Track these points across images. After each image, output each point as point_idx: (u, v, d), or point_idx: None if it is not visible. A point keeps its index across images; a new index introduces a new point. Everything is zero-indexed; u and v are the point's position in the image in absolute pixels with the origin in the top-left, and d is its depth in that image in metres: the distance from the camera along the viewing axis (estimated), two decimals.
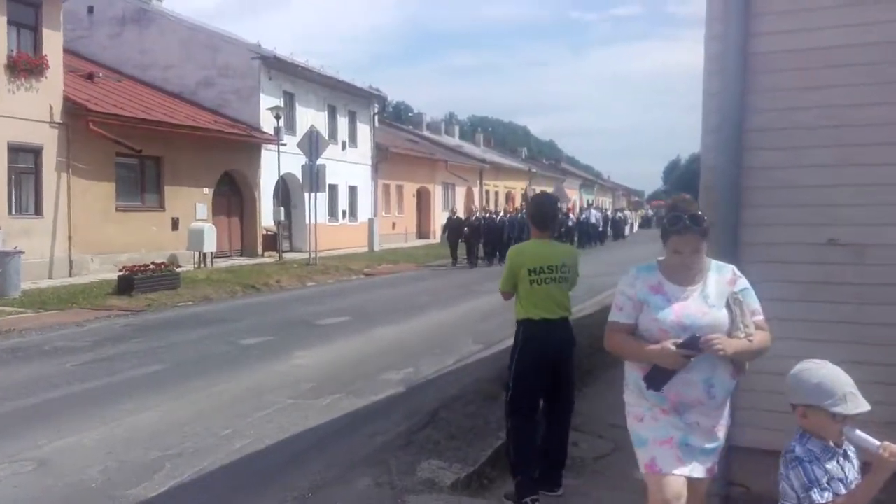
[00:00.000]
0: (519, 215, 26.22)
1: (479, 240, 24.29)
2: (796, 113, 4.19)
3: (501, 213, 27.18)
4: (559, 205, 5.25)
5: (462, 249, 24.33)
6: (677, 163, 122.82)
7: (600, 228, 37.68)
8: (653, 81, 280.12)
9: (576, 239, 32.62)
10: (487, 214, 26.30)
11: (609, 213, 48.24)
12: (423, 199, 37.39)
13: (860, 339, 3.98)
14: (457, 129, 59.03)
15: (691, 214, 2.92)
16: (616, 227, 43.66)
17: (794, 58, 4.17)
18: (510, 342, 4.69)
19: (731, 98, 4.24)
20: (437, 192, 38.22)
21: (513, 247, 4.76)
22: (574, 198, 50.91)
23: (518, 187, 49.60)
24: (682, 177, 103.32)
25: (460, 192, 41.05)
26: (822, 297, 4.08)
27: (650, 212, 68.31)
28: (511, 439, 4.54)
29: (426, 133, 47.05)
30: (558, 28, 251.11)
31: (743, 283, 3.04)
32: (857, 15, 4.04)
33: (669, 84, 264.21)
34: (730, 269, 3.08)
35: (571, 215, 35.04)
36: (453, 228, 24.95)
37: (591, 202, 45.73)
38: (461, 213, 28.02)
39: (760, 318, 3.01)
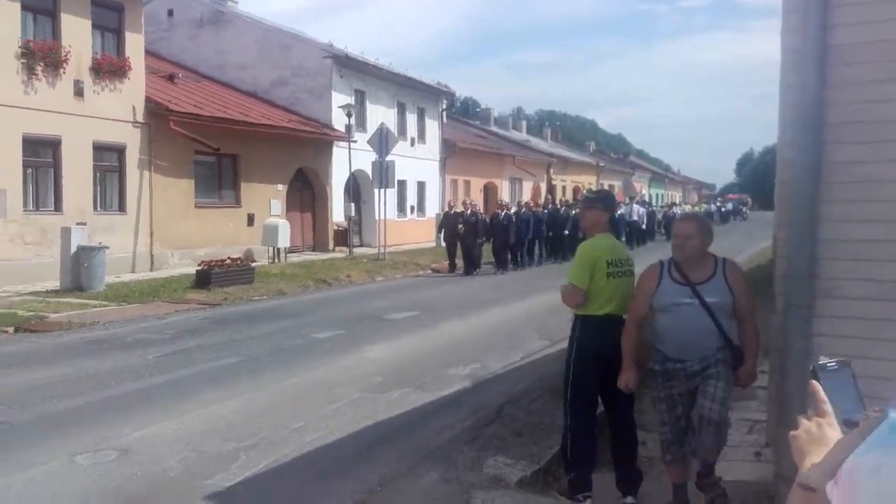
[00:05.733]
0: (544, 211, 23.64)
1: (476, 240, 19.94)
2: (878, 106, 4.04)
3: (506, 210, 21.69)
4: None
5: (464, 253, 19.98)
6: (750, 155, 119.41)
7: (643, 226, 32.45)
8: (722, 73, 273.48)
9: None
10: (504, 211, 21.47)
11: (658, 208, 43.97)
12: (490, 194, 37.36)
13: None
14: (524, 123, 58.63)
15: None
16: (669, 225, 36.97)
17: (876, 49, 4.02)
18: None
19: (810, 91, 4.11)
20: (504, 187, 38.11)
21: (584, 242, 4.63)
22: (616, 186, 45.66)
23: (585, 182, 48.95)
24: (756, 169, 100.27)
25: (527, 186, 40.82)
26: None
27: (713, 206, 58.72)
28: (569, 437, 4.51)
29: (494, 128, 46.91)
30: (626, 21, 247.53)
31: None
32: None
33: (739, 75, 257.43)
34: None
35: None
36: (450, 226, 20.19)
37: (633, 196, 38.55)
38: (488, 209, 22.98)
39: None
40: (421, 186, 30.75)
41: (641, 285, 4.24)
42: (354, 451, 5.57)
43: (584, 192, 6.36)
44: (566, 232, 23.58)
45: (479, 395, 7.15)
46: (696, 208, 56.79)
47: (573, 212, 23.92)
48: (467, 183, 34.88)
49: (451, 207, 21.70)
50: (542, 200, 27.43)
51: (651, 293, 4.11)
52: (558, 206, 25.17)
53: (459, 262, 20.01)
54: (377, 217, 22.47)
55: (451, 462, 5.15)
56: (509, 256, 21.36)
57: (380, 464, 5.25)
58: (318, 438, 5.83)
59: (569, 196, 39.85)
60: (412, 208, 30.06)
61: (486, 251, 21.18)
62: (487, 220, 20.80)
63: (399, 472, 5.09)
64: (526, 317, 12.18)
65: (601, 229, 4.58)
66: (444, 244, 21.42)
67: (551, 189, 39.43)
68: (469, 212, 20.33)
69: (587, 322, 4.44)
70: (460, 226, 19.70)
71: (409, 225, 28.56)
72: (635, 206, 32.58)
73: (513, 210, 22.24)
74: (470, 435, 5.78)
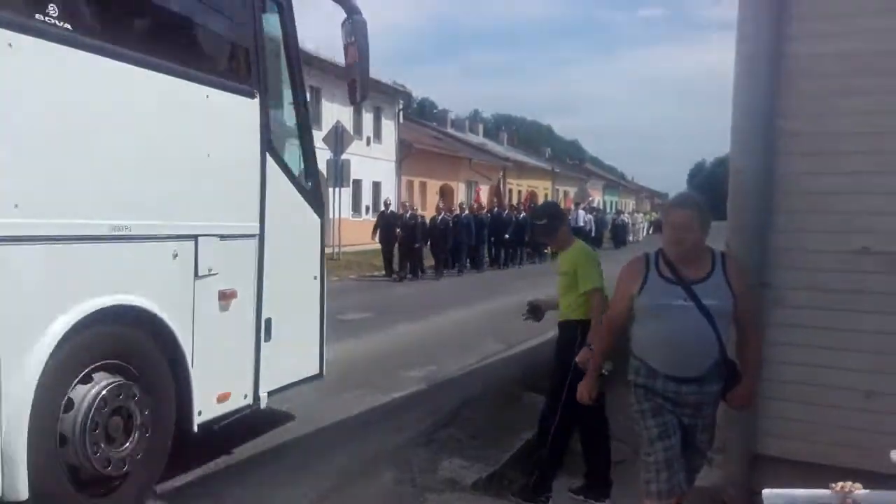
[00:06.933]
0: (487, 215, 23.36)
1: (414, 244, 18.87)
2: (829, 118, 4.15)
3: (443, 214, 20.72)
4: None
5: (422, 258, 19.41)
6: (702, 165, 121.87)
7: (592, 233, 30.55)
8: (678, 83, 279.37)
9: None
10: (442, 214, 20.61)
11: (607, 215, 44.44)
12: (446, 196, 37.41)
13: (886, 349, 3.93)
14: (481, 126, 58.91)
15: None
16: (617, 233, 38.26)
17: (828, 62, 4.13)
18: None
19: (762, 102, 4.21)
20: (460, 190, 38.21)
21: (578, 248, 4.56)
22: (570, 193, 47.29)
23: (541, 186, 49.37)
24: (707, 180, 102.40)
25: (483, 190, 40.98)
26: (851, 306, 4.04)
27: None
28: (554, 440, 4.49)
29: (450, 130, 47.04)
30: (585, 28, 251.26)
31: None
32: (893, 20, 3.98)
33: (695, 86, 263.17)
34: None
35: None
36: (386, 228, 19.16)
37: (578, 202, 36.30)
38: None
39: None
40: (376, 186, 30.64)
41: (621, 284, 3.42)
42: (308, 452, 5.49)
43: (532, 215, 6.21)
44: (506, 236, 23.58)
45: (435, 398, 7.13)
46: (648, 217, 57.75)
47: (520, 216, 24.05)
48: (423, 184, 34.89)
49: (387, 207, 20.53)
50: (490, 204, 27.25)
51: (632, 294, 3.33)
52: (501, 210, 24.96)
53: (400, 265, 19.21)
54: (331, 216, 22.27)
55: (406, 464, 5.12)
56: (469, 260, 21.39)
57: (334, 464, 5.19)
58: (271, 438, 5.74)
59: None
60: (367, 208, 29.94)
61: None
62: (426, 223, 19.97)
63: (353, 473, 5.04)
64: (481, 320, 12.21)
65: (571, 237, 4.66)
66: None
67: (499, 193, 39.43)
68: (408, 214, 19.52)
69: (587, 327, 4.38)
70: (398, 230, 18.83)
71: (363, 225, 28.31)
72: (580, 213, 31.16)
73: (454, 213, 21.63)
74: (425, 437, 5.76)
